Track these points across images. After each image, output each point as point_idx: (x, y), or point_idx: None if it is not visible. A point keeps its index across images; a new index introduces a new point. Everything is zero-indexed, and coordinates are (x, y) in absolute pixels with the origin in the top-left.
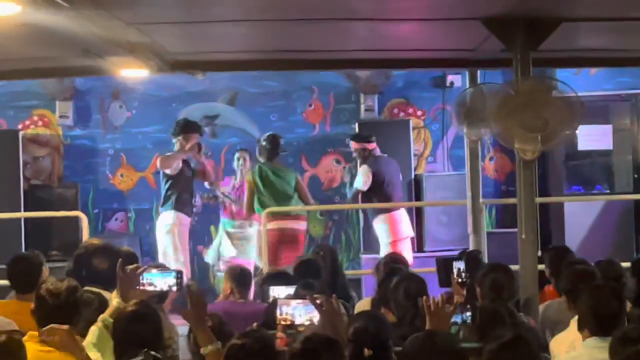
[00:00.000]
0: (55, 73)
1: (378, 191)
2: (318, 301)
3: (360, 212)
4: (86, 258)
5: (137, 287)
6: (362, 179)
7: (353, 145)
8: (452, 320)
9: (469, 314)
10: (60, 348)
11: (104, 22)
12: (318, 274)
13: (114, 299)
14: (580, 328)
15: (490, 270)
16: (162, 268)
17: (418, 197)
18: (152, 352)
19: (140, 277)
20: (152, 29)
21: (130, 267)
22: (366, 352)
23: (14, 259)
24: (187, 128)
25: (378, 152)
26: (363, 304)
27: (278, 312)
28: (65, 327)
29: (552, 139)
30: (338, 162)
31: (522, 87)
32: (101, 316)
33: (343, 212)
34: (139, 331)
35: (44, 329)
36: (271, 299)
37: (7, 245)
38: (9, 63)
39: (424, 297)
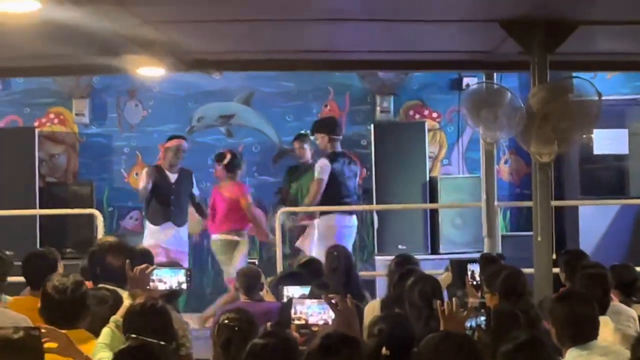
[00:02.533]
0: (72, 71)
1: None
2: (333, 301)
3: (374, 213)
4: (101, 256)
5: (148, 287)
6: None
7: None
8: (467, 324)
9: (483, 318)
10: (60, 353)
11: (121, 19)
12: (320, 274)
13: (125, 300)
14: (560, 341)
15: (500, 270)
16: (172, 265)
17: (433, 200)
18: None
19: (151, 274)
20: (170, 27)
21: (140, 267)
22: (384, 350)
23: (29, 255)
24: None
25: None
26: (373, 305)
27: (293, 311)
28: (64, 332)
29: (569, 141)
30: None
31: (537, 100)
32: (113, 317)
33: (357, 213)
34: (147, 325)
35: (43, 329)
36: (285, 299)
37: (22, 242)
38: (27, 60)
39: (438, 302)
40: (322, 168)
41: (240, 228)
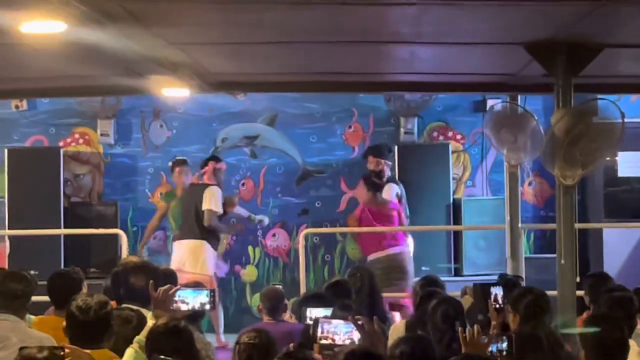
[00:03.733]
0: (97, 91)
1: None
2: (359, 322)
3: None
4: (124, 276)
5: (171, 307)
6: None
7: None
8: (489, 349)
9: (505, 344)
10: None
11: (146, 40)
12: (348, 295)
13: (149, 320)
14: None
15: (526, 292)
16: (195, 286)
17: (456, 221)
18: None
19: (174, 295)
20: (194, 48)
21: (163, 287)
22: None
23: (54, 275)
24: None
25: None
26: (398, 327)
27: (319, 329)
28: (88, 351)
29: (593, 163)
30: None
31: (561, 123)
32: (137, 338)
33: None
34: (170, 345)
35: (67, 349)
36: (308, 320)
37: (46, 262)
38: (52, 81)
39: (460, 328)
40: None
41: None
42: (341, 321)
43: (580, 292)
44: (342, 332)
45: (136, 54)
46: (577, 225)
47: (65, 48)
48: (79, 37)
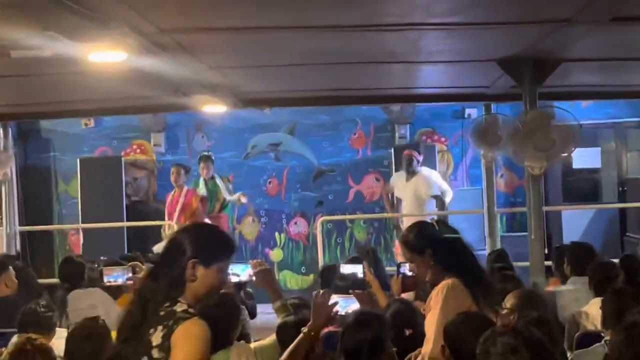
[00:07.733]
0: (151, 109)
1: None
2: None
3: (400, 219)
4: None
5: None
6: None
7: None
8: None
9: None
10: None
11: (192, 66)
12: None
13: None
14: (605, 327)
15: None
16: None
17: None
18: None
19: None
20: (231, 72)
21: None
22: (407, 332)
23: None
24: None
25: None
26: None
27: None
28: None
29: (555, 157)
30: (377, 179)
31: (528, 118)
32: None
33: (382, 220)
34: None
35: None
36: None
37: (112, 249)
38: (115, 101)
39: None
40: None
41: None
42: (342, 296)
43: (547, 262)
44: (341, 307)
45: (183, 77)
46: (544, 208)
47: (126, 74)
48: (137, 64)
